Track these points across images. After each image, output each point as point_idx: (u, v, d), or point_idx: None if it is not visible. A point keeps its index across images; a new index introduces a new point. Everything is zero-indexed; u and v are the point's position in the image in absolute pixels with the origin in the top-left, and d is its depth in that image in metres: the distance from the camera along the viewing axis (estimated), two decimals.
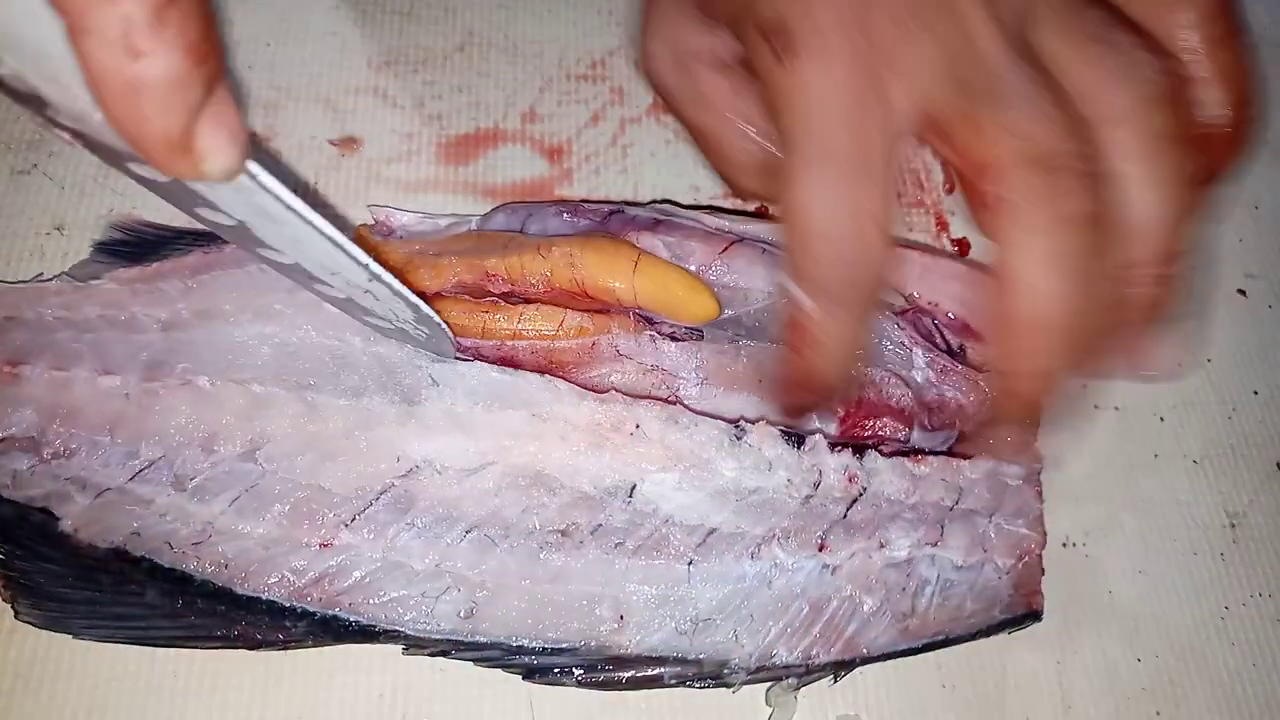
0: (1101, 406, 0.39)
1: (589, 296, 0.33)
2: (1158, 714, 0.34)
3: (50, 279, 0.33)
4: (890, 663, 0.32)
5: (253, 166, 0.22)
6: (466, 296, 0.33)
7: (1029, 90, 0.25)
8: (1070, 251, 0.25)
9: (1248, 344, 0.41)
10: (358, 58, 0.40)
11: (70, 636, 0.29)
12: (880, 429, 0.34)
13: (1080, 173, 0.24)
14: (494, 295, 0.33)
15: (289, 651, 0.31)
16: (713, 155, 0.34)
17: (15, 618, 0.29)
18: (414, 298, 0.28)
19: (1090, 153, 0.25)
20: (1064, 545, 0.36)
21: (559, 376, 0.32)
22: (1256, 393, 0.40)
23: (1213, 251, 0.43)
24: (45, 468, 0.30)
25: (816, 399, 0.31)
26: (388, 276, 0.26)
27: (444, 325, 0.30)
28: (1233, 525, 0.38)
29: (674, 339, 0.33)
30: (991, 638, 0.33)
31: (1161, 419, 0.40)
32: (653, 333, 0.33)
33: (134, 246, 0.34)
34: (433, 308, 0.29)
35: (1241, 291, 0.43)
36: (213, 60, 0.20)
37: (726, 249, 0.34)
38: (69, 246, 0.36)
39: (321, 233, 0.23)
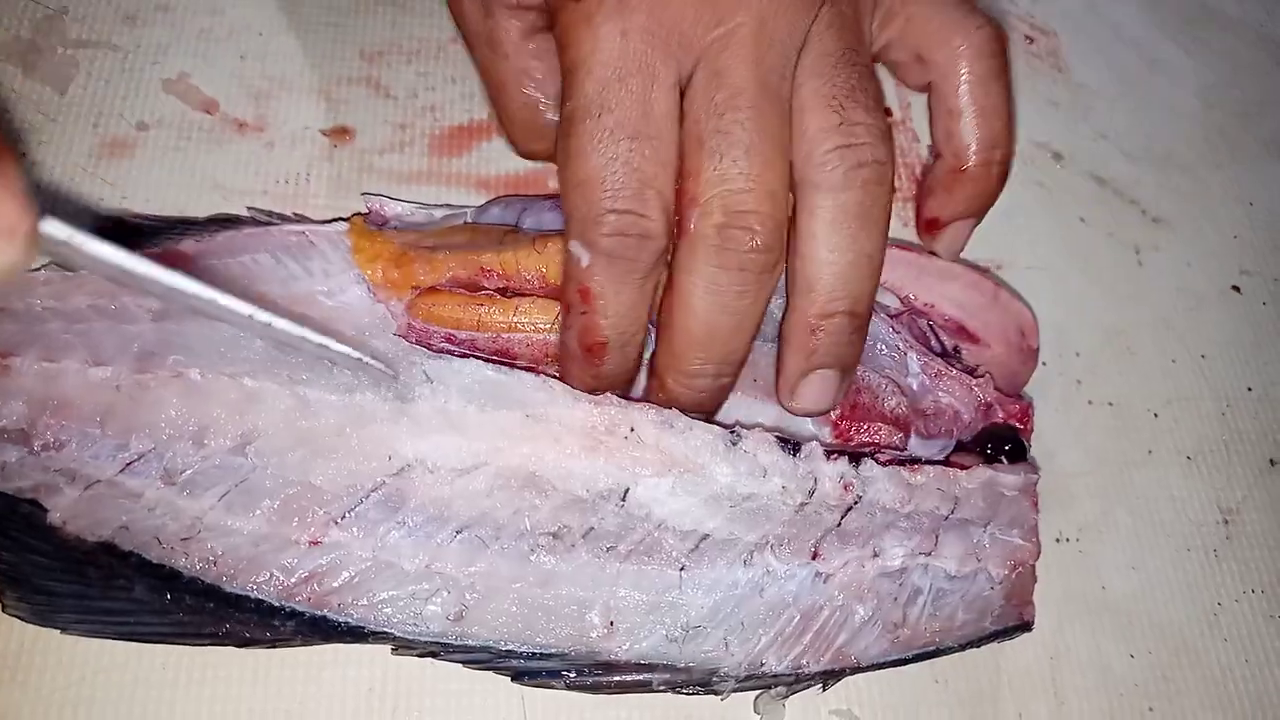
0: (1095, 402, 0.39)
1: None
2: (1150, 709, 0.34)
3: (39, 268, 0.32)
4: None
5: (54, 229, 0.19)
6: (461, 290, 0.32)
7: (753, 143, 0.27)
8: (724, 287, 0.28)
9: (1242, 341, 0.42)
10: (351, 48, 0.40)
11: (58, 631, 0.29)
12: (875, 435, 0.34)
13: (754, 230, 0.27)
14: (489, 290, 0.32)
15: (277, 648, 0.30)
16: (498, 106, 0.33)
17: (3, 610, 0.28)
18: (316, 340, 0.24)
19: (776, 215, 0.27)
20: (1057, 540, 0.36)
21: (554, 374, 0.31)
22: (1250, 389, 0.40)
23: (1207, 248, 0.43)
24: (35, 459, 0.29)
25: (601, 366, 0.30)
26: (281, 324, 0.23)
27: (378, 364, 0.27)
28: (1226, 522, 0.38)
29: None
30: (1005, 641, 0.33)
31: (1155, 415, 0.40)
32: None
33: (124, 237, 0.32)
34: (423, 304, 0.29)
35: (1236, 288, 0.43)
36: None
37: None
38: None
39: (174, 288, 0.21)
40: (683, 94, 0.28)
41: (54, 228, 0.20)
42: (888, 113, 0.34)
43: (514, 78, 0.32)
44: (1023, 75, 0.46)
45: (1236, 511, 0.38)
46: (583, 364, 0.30)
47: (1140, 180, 0.44)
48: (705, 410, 0.31)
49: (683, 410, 0.30)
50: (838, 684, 0.32)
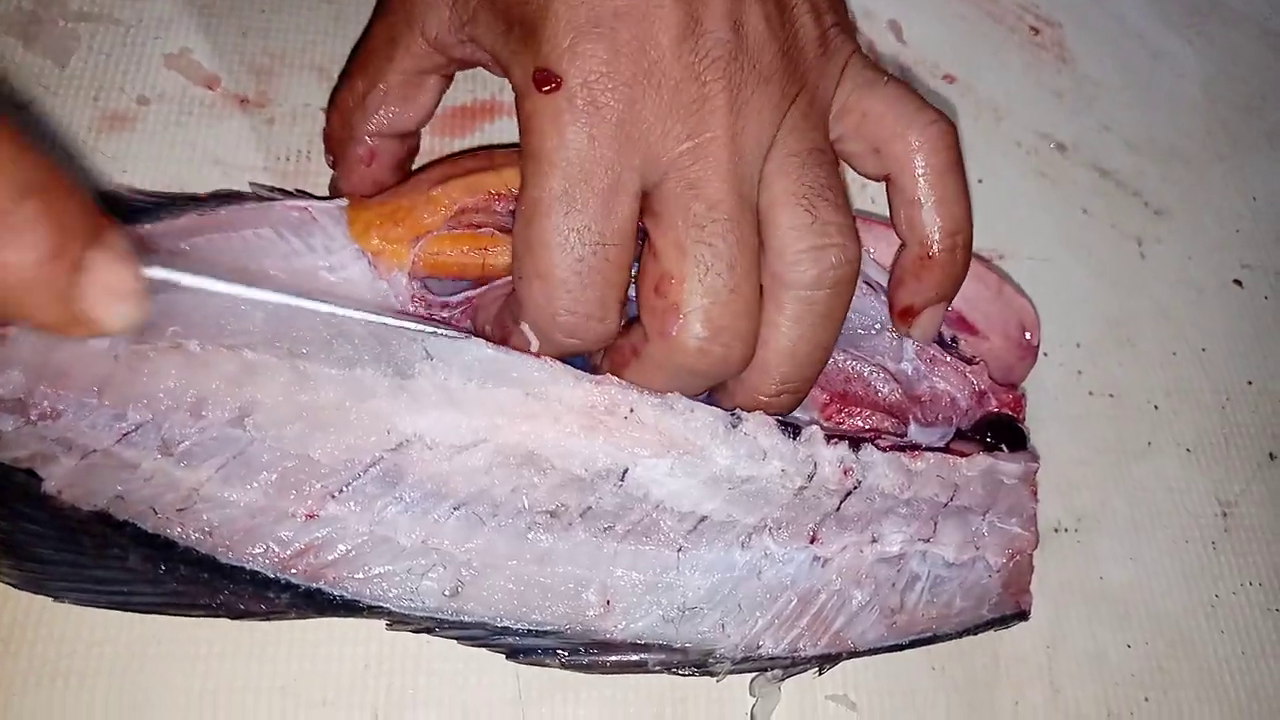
0: (1096, 393, 0.39)
1: None
2: (1146, 700, 0.34)
3: None
4: None
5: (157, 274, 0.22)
6: (466, 230, 0.31)
7: (735, 256, 0.27)
8: (689, 388, 0.29)
9: (1243, 334, 0.41)
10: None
11: (50, 599, 0.28)
12: (869, 421, 0.33)
13: (730, 348, 0.28)
14: (494, 228, 0.31)
15: (273, 623, 0.29)
16: (344, 112, 0.33)
17: None
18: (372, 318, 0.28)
19: (751, 329, 0.28)
20: (1056, 530, 0.36)
21: None
22: (1250, 383, 0.40)
23: (1209, 241, 0.43)
24: (31, 428, 0.28)
25: None
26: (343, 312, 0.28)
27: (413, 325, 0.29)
28: (1224, 514, 0.37)
29: None
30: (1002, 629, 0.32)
31: (1156, 407, 0.39)
32: None
33: (124, 212, 0.32)
34: (427, 255, 0.30)
35: (1237, 282, 0.42)
36: (75, 242, 0.20)
37: None
38: None
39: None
40: (646, 197, 0.28)
41: (156, 273, 0.23)
42: None
43: (379, 96, 0.32)
44: (1027, 66, 0.45)
45: (1235, 504, 0.37)
46: None
47: (1143, 172, 0.44)
48: None
49: None
50: (835, 669, 0.31)
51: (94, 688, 0.28)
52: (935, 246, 0.31)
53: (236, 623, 0.29)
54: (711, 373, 0.29)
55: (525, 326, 0.29)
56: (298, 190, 0.33)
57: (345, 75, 0.33)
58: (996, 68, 0.44)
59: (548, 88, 0.26)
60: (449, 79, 0.33)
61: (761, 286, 0.29)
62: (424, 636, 0.30)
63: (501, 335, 0.30)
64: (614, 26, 0.26)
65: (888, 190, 0.32)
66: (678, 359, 0.28)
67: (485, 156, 0.33)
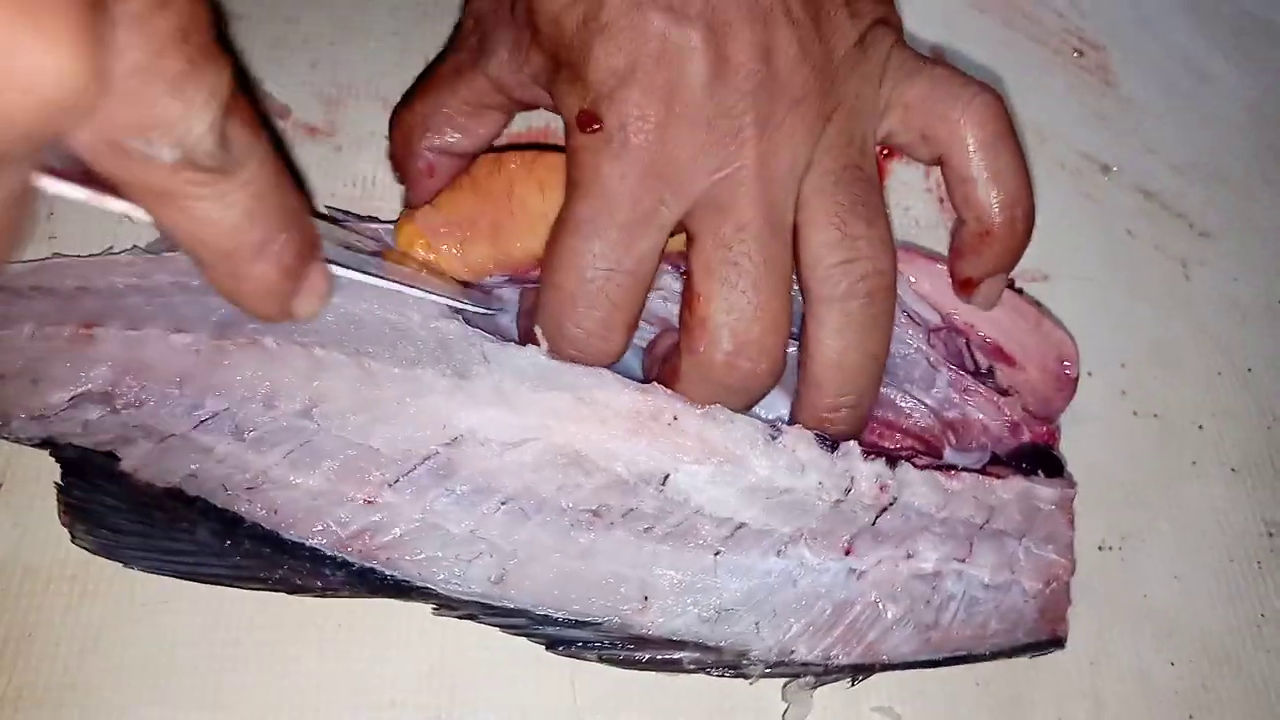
0: (1141, 413, 0.38)
1: None
2: (1190, 718, 0.33)
3: (120, 252, 0.33)
4: None
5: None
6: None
7: (760, 276, 0.28)
8: (723, 403, 0.30)
9: None
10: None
11: (122, 565, 0.29)
12: (905, 444, 0.33)
13: (757, 361, 0.29)
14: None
15: (342, 626, 0.31)
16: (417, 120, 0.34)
17: (72, 541, 0.29)
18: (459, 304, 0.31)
19: (779, 345, 0.29)
20: (1100, 548, 0.35)
21: None
22: None
23: (1254, 263, 0.42)
24: (115, 417, 0.30)
25: None
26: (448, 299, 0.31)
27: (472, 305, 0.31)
28: (1270, 534, 0.37)
29: None
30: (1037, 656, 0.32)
31: (1201, 427, 0.39)
32: None
33: None
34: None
35: None
36: (304, 262, 0.25)
37: None
38: (139, 233, 0.34)
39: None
40: (684, 224, 0.29)
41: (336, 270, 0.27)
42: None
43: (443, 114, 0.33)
44: (1071, 88, 0.45)
45: None
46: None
47: (1188, 194, 0.43)
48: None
49: None
50: (879, 682, 0.31)
51: (180, 685, 0.30)
52: (995, 221, 0.31)
53: (309, 630, 0.31)
54: (741, 386, 0.29)
55: (538, 329, 0.30)
56: (368, 216, 0.35)
57: (408, 96, 0.34)
58: (1041, 90, 0.44)
59: (591, 129, 0.28)
60: (510, 115, 0.34)
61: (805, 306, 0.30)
62: (485, 644, 0.31)
63: (525, 330, 0.32)
64: (650, 71, 0.27)
65: (943, 173, 0.32)
66: (707, 373, 0.29)
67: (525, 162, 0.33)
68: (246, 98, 0.22)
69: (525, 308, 0.33)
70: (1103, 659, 0.34)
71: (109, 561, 0.30)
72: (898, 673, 0.32)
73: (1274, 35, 0.48)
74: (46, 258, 0.33)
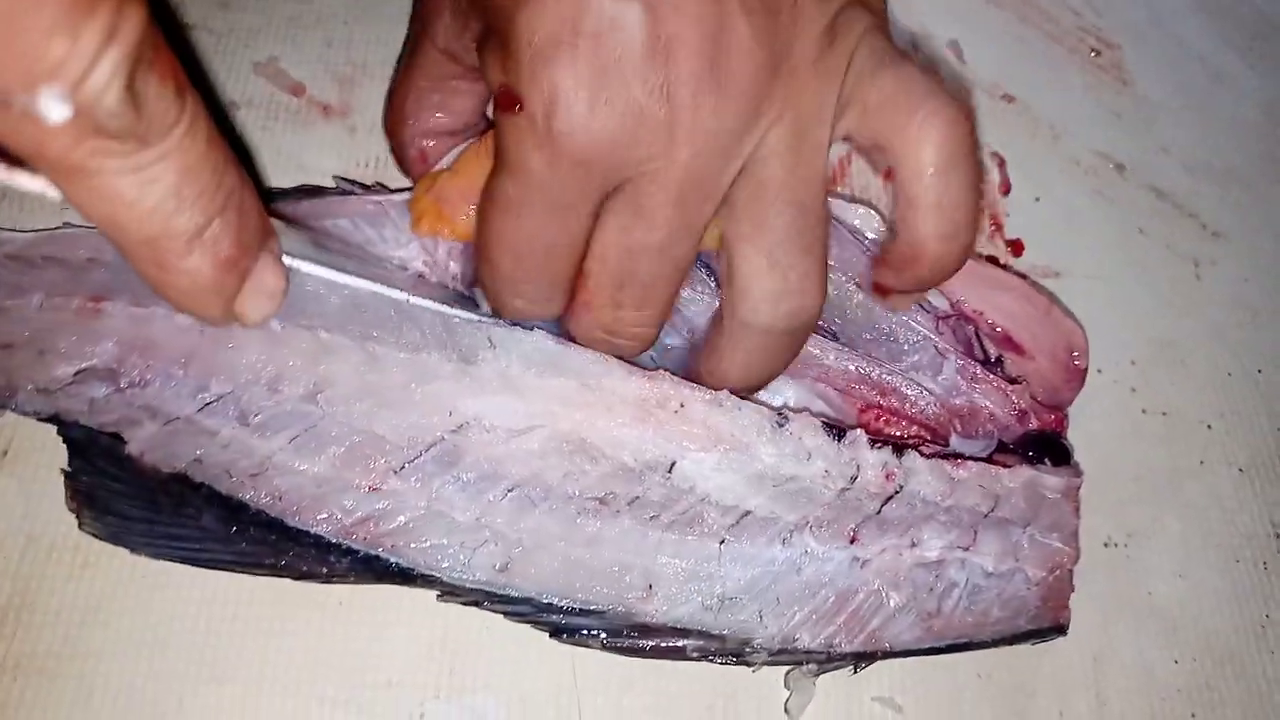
0: (1149, 411, 0.38)
1: None
2: (1193, 716, 0.33)
3: None
4: None
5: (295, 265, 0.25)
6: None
7: (652, 283, 0.28)
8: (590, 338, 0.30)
9: None
10: None
11: (129, 551, 0.29)
12: (910, 432, 0.33)
13: (634, 341, 0.29)
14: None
15: (343, 604, 0.30)
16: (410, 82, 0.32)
17: (79, 528, 0.29)
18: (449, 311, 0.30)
19: (656, 328, 0.29)
20: (1106, 545, 0.35)
21: None
22: None
23: (1266, 263, 0.42)
24: (120, 396, 0.30)
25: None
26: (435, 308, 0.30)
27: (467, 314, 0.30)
28: (1277, 535, 0.36)
29: None
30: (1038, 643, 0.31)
31: (1209, 426, 0.38)
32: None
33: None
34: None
35: None
36: (249, 255, 0.22)
37: None
38: None
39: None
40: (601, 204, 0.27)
41: (292, 264, 0.25)
42: None
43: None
44: (1087, 87, 0.44)
45: None
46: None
47: (1201, 193, 0.43)
48: None
49: None
50: (880, 672, 0.31)
51: (175, 658, 0.30)
52: (926, 250, 0.28)
53: (308, 606, 0.30)
54: (613, 350, 0.30)
55: (479, 292, 0.30)
56: (377, 184, 0.34)
57: (390, 93, 0.33)
58: (1056, 88, 0.44)
59: (514, 109, 0.25)
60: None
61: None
62: (485, 625, 0.30)
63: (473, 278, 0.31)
64: (575, 46, 0.24)
65: (893, 184, 0.29)
66: (584, 337, 0.30)
67: None
68: (172, 52, 0.19)
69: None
70: (1106, 654, 0.33)
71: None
72: (899, 663, 0.31)
73: None
74: (57, 227, 0.33)
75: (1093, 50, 0.46)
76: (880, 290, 0.31)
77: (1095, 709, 0.33)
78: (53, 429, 0.30)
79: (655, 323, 0.29)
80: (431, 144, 0.32)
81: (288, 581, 0.30)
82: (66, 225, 0.33)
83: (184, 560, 0.29)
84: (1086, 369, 0.34)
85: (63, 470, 0.30)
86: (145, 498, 0.29)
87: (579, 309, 0.29)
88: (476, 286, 0.31)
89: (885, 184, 0.29)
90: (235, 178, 0.21)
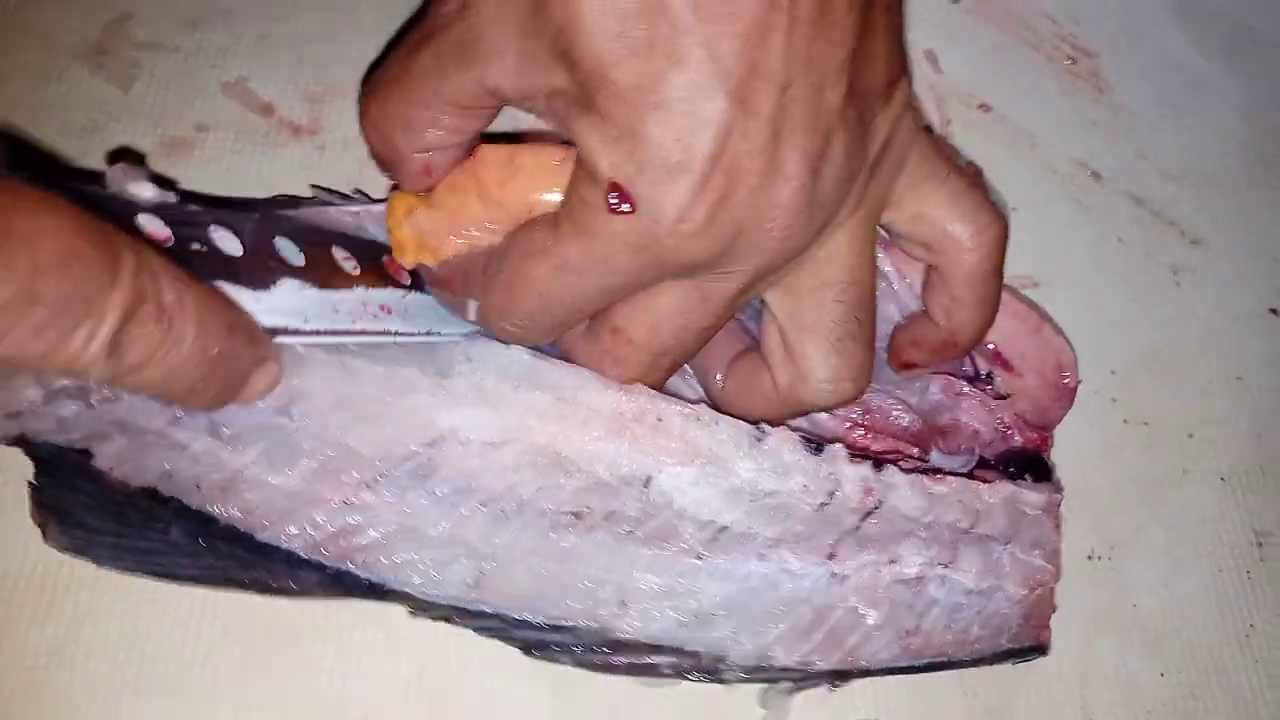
0: (1130, 421, 0.38)
1: None
2: None
3: None
4: None
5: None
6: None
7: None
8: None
9: (1279, 364, 0.40)
10: None
11: (95, 565, 0.28)
12: (893, 446, 0.32)
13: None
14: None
15: (319, 630, 0.30)
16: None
17: (43, 540, 0.28)
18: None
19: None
20: (1089, 557, 0.35)
21: None
22: None
23: (1245, 271, 0.42)
24: (90, 413, 0.29)
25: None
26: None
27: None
28: (1260, 544, 0.36)
29: None
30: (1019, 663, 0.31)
31: (1191, 436, 0.38)
32: None
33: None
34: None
35: (1274, 311, 0.41)
36: (241, 383, 0.27)
37: None
38: None
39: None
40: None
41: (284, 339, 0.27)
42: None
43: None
44: (1064, 95, 0.44)
45: (1271, 534, 0.36)
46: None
47: (1179, 201, 0.43)
48: None
49: None
50: (864, 692, 0.30)
51: (146, 692, 0.29)
52: (962, 339, 0.32)
53: (284, 637, 0.30)
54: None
55: (471, 305, 0.29)
56: (356, 191, 0.34)
57: (377, 89, 0.29)
58: (1033, 95, 0.44)
59: (620, 209, 0.25)
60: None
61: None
62: (468, 658, 0.30)
63: (448, 288, 0.30)
64: (704, 168, 0.24)
65: (930, 276, 0.31)
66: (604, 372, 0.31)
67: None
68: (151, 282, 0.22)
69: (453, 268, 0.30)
70: (1091, 668, 0.33)
71: (78, 570, 0.29)
72: (883, 683, 0.30)
73: (1265, 43, 0.47)
74: None
75: (1069, 58, 0.46)
76: (906, 366, 0.33)
77: None
78: (17, 460, 0.29)
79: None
80: (435, 158, 0.30)
81: (259, 615, 0.29)
82: None
83: (151, 575, 0.28)
84: (1076, 388, 0.34)
85: (29, 482, 0.29)
86: (112, 511, 0.28)
87: (608, 364, 0.30)
88: (437, 288, 0.30)
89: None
90: (222, 342, 0.25)
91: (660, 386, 0.30)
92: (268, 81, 0.38)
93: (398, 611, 0.29)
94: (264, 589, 0.29)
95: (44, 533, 0.28)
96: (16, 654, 0.29)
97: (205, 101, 0.38)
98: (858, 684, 0.30)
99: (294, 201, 0.33)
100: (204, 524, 0.29)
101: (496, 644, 0.29)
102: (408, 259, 0.30)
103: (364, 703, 0.30)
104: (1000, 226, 0.30)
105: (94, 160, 0.36)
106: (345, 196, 0.33)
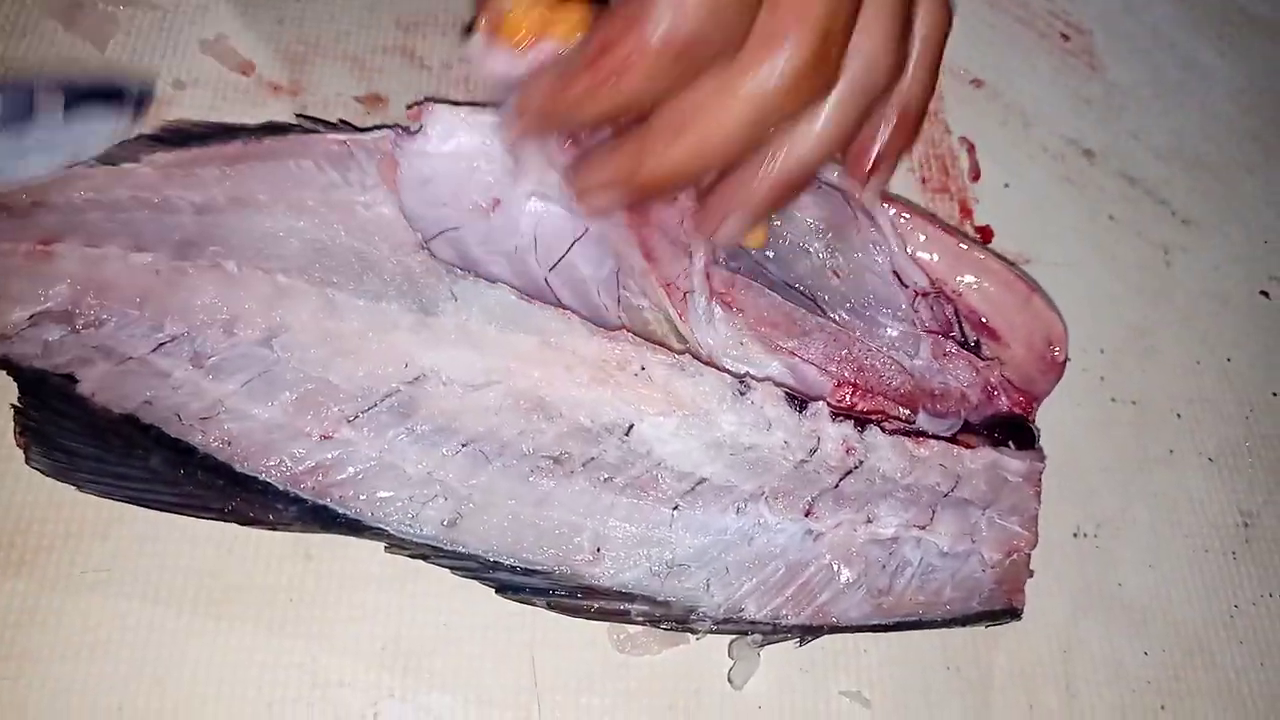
0: (1119, 400, 0.37)
1: None
2: (1162, 708, 0.32)
3: (76, 165, 0.30)
4: (896, 642, 0.30)
5: None
6: None
7: None
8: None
9: (1268, 345, 0.39)
10: (387, 17, 0.38)
11: (75, 489, 0.28)
12: (879, 407, 0.31)
13: None
14: None
15: (293, 600, 0.29)
16: None
17: (26, 462, 0.27)
18: None
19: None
20: (1075, 535, 0.34)
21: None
22: (1275, 394, 0.38)
23: (1236, 251, 0.41)
24: (75, 337, 0.28)
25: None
26: None
27: None
28: (1246, 524, 0.35)
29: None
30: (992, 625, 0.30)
31: (1179, 415, 0.37)
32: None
33: (175, 140, 0.32)
34: None
35: (1264, 293, 0.40)
36: None
37: None
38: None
39: None
40: None
41: None
42: None
43: None
44: (1057, 72, 0.43)
45: (1256, 515, 0.35)
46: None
47: (1171, 181, 0.42)
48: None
49: None
50: (848, 666, 0.30)
51: (115, 660, 0.28)
52: (912, 108, 0.30)
53: (259, 601, 0.29)
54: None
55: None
56: (341, 121, 0.32)
57: None
58: (1026, 73, 0.43)
59: None
60: None
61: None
62: (441, 623, 0.29)
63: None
64: None
65: None
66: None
67: None
68: None
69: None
70: (1075, 647, 0.32)
71: (45, 533, 0.28)
72: (867, 656, 0.30)
73: (1259, 24, 0.46)
74: None
75: (1063, 35, 0.45)
76: (869, 169, 0.32)
77: (1065, 701, 0.31)
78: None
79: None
80: None
81: (235, 578, 0.28)
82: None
83: (129, 500, 0.28)
84: (1065, 362, 0.33)
85: (12, 405, 0.28)
86: (95, 436, 0.28)
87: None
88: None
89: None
90: None
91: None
92: (248, 40, 0.37)
93: (375, 578, 0.29)
94: (242, 520, 0.28)
95: (26, 455, 0.28)
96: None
97: (184, 59, 0.36)
98: (840, 656, 0.30)
99: (280, 128, 0.33)
100: (184, 453, 0.28)
101: (475, 610, 0.29)
102: (521, 35, 0.28)
103: (340, 666, 0.29)
104: (946, 12, 0.29)
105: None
106: (331, 125, 0.33)
